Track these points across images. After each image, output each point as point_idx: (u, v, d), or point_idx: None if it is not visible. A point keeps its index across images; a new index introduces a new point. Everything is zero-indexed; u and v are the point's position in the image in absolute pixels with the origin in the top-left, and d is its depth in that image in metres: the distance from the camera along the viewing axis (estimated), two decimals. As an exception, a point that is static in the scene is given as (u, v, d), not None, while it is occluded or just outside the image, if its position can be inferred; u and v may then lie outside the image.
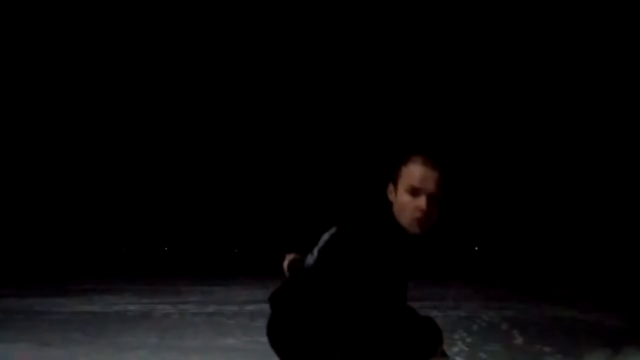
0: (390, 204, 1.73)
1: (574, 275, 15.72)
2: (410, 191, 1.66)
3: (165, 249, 54.74)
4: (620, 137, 38.90)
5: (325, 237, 1.86)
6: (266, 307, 7.02)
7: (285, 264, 2.22)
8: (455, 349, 4.38)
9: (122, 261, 30.58)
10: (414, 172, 1.67)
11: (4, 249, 31.66)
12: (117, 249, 48.86)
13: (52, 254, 34.42)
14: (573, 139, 41.42)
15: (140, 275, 16.34)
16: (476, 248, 44.36)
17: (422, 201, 1.64)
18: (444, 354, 1.90)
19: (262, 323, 5.66)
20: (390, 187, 1.75)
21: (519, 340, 4.81)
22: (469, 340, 4.78)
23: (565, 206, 41.11)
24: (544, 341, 4.63)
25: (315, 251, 1.89)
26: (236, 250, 54.15)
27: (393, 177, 1.73)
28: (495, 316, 6.35)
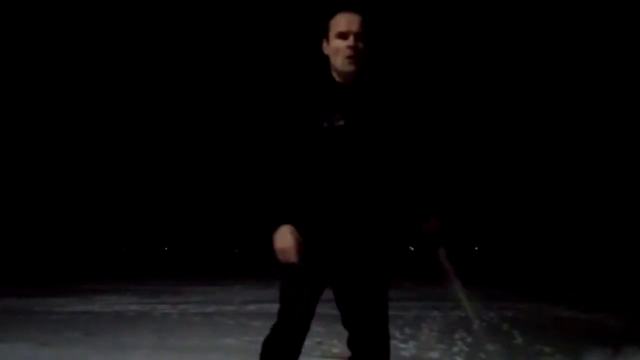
0: (327, 59, 1.97)
1: (574, 275, 15.72)
2: (339, 36, 1.91)
3: (165, 249, 54.67)
4: (620, 137, 38.92)
5: None
6: (266, 307, 7.05)
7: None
8: (455, 349, 4.38)
9: (122, 261, 30.56)
10: (340, 20, 1.93)
11: (4, 249, 31.65)
12: (117, 249, 48.79)
13: (52, 254, 34.41)
14: (572, 139, 41.46)
15: (140, 275, 16.34)
16: (476, 248, 44.36)
17: (350, 41, 1.89)
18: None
19: (262, 323, 5.65)
20: (324, 44, 1.98)
21: (519, 340, 4.81)
22: (469, 340, 4.78)
23: (565, 206, 41.12)
24: (544, 341, 4.63)
25: None
26: (236, 250, 54.09)
27: (325, 33, 1.97)
28: (495, 316, 6.35)
